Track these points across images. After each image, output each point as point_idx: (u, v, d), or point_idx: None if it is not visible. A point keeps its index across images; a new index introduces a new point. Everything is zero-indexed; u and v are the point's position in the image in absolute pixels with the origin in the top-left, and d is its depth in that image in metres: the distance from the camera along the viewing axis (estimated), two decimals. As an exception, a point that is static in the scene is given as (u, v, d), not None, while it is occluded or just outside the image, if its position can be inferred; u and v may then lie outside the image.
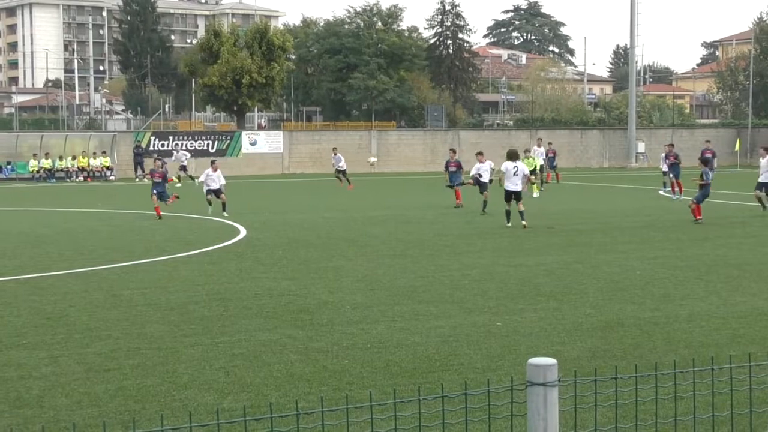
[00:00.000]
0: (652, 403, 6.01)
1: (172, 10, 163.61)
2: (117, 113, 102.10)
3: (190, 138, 64.58)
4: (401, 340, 12.46)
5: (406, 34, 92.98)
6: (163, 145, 62.08)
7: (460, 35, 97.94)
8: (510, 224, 26.63)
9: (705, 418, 7.24)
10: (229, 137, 65.76)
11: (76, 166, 59.78)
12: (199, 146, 63.29)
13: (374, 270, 19.08)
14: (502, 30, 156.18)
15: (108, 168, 60.44)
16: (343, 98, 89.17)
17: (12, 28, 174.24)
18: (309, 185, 52.97)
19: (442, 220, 29.91)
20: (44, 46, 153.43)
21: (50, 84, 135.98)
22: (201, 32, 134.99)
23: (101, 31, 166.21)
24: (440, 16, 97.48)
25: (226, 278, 18.04)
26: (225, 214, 31.07)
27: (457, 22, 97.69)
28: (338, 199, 40.50)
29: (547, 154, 48.73)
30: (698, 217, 27.61)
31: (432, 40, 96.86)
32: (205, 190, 32.65)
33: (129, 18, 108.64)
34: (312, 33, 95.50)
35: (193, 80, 78.42)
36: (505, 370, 10.76)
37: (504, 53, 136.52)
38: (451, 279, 17.72)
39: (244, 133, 67.11)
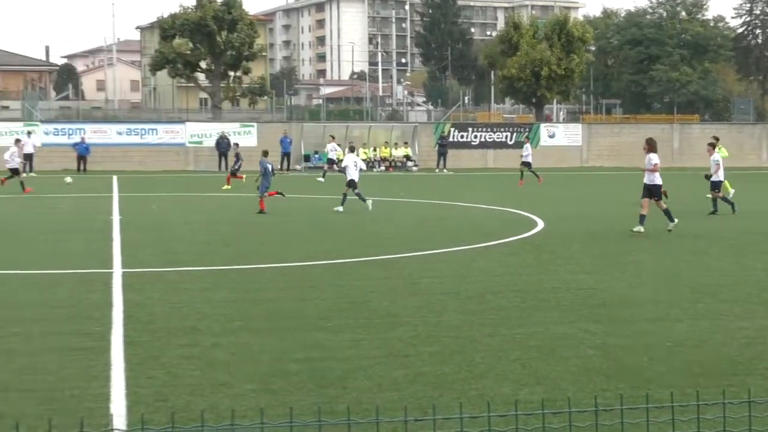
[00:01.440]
0: None
1: (472, 3, 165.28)
2: (418, 104, 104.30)
3: (488, 129, 65.10)
4: (703, 340, 12.04)
5: (712, 24, 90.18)
6: (462, 137, 62.95)
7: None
8: None
9: None
10: (527, 129, 65.71)
11: (378, 155, 61.43)
12: (498, 138, 63.61)
13: (675, 266, 18.54)
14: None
15: (408, 158, 61.73)
16: (644, 90, 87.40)
17: (320, 23, 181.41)
18: (608, 178, 52.13)
19: (747, 216, 28.55)
20: (350, 40, 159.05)
21: (355, 76, 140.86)
22: (500, 24, 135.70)
23: (404, 25, 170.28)
24: (749, 4, 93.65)
25: (524, 270, 18.02)
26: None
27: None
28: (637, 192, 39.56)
29: None
30: None
31: (740, 30, 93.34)
32: None
33: (430, 11, 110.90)
34: (612, 24, 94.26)
35: (492, 72, 78.94)
36: (817, 377, 10.20)
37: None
38: (756, 279, 16.94)
39: (542, 126, 66.88)
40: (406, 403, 9.00)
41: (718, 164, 28.99)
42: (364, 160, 59.18)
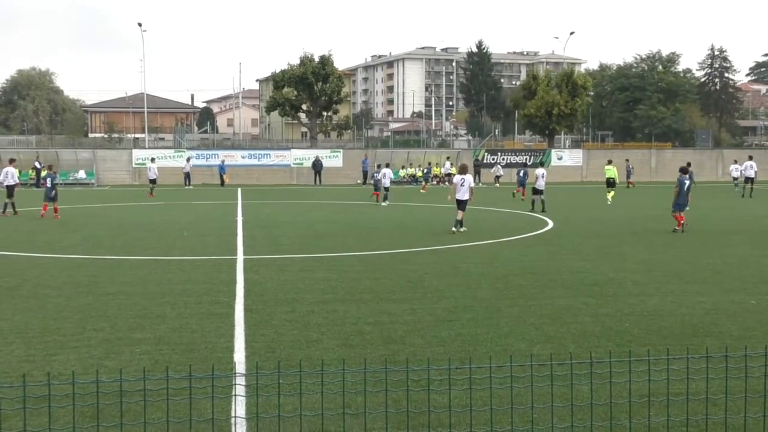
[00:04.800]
0: None
1: (502, 60, 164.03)
2: (461, 136, 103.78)
3: (512, 154, 64.69)
4: (671, 311, 11.84)
5: (682, 74, 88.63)
6: (493, 159, 62.62)
7: (726, 74, 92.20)
8: None
9: None
10: (542, 153, 65.14)
11: (432, 173, 61.29)
12: (520, 160, 63.18)
13: (651, 255, 18.26)
14: (762, 69, 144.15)
15: (452, 175, 61.44)
16: (630, 124, 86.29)
17: (390, 76, 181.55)
18: (602, 191, 51.35)
19: (706, 219, 28.03)
20: (411, 88, 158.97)
21: (415, 115, 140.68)
22: (523, 76, 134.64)
23: (451, 77, 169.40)
24: (710, 60, 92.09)
25: (537, 258, 17.88)
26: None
27: (724, 64, 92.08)
28: (625, 199, 39.03)
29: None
30: None
31: (702, 79, 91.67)
32: None
33: (471, 66, 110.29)
34: (606, 75, 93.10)
35: (516, 111, 78.38)
36: (758, 339, 9.96)
37: (763, 88, 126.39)
38: (713, 265, 16.62)
39: (553, 150, 66.25)
40: (450, 355, 8.99)
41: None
42: (411, 175, 59.60)
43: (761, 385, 5.11)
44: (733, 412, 6.52)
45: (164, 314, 11.55)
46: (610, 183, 38.83)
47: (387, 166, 40.13)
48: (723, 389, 5.24)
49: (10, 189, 30.12)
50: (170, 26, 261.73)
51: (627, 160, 56.28)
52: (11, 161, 32.30)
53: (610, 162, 42.10)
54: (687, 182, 23.98)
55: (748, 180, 42.30)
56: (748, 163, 43.69)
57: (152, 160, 49.79)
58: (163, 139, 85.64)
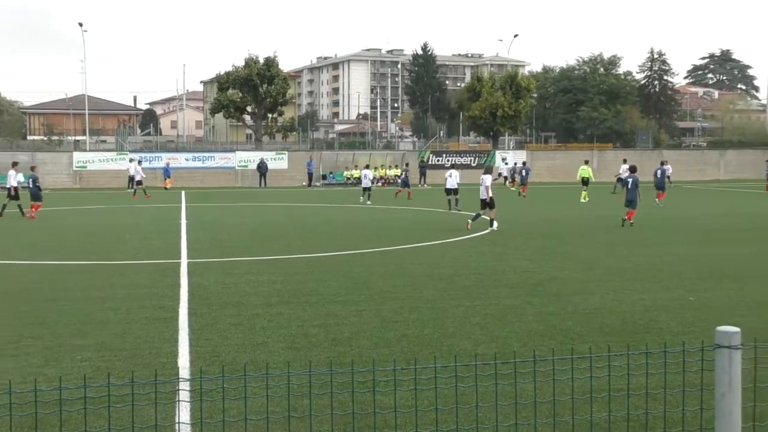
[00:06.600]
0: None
1: (447, 62, 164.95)
2: (406, 137, 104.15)
3: (457, 155, 65.11)
4: (613, 308, 12.04)
5: (622, 77, 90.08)
6: (438, 160, 62.95)
7: (665, 77, 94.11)
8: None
9: None
10: (485, 155, 65.71)
11: (378, 175, 61.34)
12: (464, 161, 63.62)
13: (594, 255, 18.54)
14: (699, 72, 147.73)
15: (398, 176, 61.61)
16: (573, 126, 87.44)
17: (335, 78, 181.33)
18: (545, 191, 52.02)
19: (646, 217, 28.56)
20: (357, 90, 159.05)
21: (360, 117, 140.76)
22: (467, 78, 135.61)
23: (397, 78, 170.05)
24: (650, 63, 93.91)
25: (482, 258, 18.02)
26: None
27: (663, 67, 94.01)
28: (574, 199, 39.57)
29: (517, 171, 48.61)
30: None
31: (642, 81, 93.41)
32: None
33: (416, 68, 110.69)
34: (550, 77, 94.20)
35: (461, 113, 78.91)
36: (696, 334, 10.18)
37: (700, 90, 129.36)
38: (653, 263, 16.96)
39: (497, 152, 66.84)
40: (395, 356, 9.01)
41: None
42: (381, 176, 59.92)
43: (698, 379, 5.23)
44: (672, 406, 6.66)
45: (107, 320, 11.36)
46: (585, 182, 40.01)
47: (367, 167, 43.48)
48: (662, 384, 5.35)
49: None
50: (112, 27, 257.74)
51: (587, 161, 57.01)
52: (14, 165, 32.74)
53: (586, 162, 43.86)
54: (630, 180, 25.94)
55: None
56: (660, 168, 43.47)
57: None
58: (104, 141, 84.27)
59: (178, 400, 6.97)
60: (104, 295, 13.35)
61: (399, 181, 51.55)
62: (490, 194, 24.84)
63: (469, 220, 24.91)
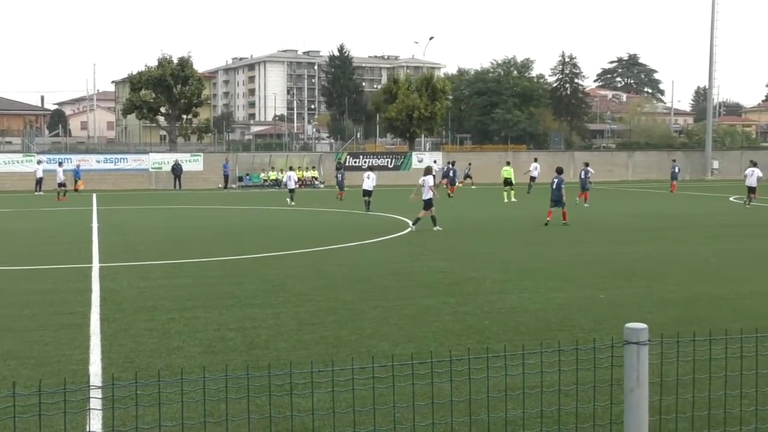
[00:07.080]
0: (722, 360, 5.72)
1: (363, 64, 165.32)
2: (323, 139, 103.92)
3: (374, 157, 65.34)
4: (527, 307, 12.26)
5: (535, 80, 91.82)
6: (355, 162, 63.08)
7: (576, 80, 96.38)
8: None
9: (764, 373, 6.85)
10: (402, 156, 66.13)
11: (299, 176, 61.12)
12: (381, 163, 63.93)
13: (511, 255, 18.85)
14: (608, 76, 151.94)
15: (315, 178, 61.57)
16: (487, 128, 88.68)
17: (251, 79, 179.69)
18: (460, 192, 52.62)
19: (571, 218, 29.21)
20: (273, 91, 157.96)
21: (277, 118, 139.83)
22: (384, 80, 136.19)
23: (313, 80, 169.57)
24: (561, 66, 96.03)
25: (400, 259, 18.11)
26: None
27: (574, 71, 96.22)
28: (494, 200, 40.10)
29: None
30: None
31: (554, 84, 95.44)
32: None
33: (333, 70, 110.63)
34: (465, 79, 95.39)
35: (378, 115, 79.18)
36: (607, 331, 10.45)
37: (609, 93, 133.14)
38: (568, 263, 17.34)
39: (413, 153, 67.34)
40: (313, 358, 8.98)
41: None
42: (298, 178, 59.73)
43: (608, 375, 5.37)
44: (584, 402, 6.81)
45: (13, 327, 10.98)
46: (508, 182, 40.89)
47: (291, 169, 45.44)
48: (574, 381, 5.47)
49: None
50: (18, 24, 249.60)
51: (509, 162, 57.81)
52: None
53: (508, 163, 45.04)
54: (555, 180, 26.99)
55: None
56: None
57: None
58: (10, 142, 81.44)
59: (89, 408, 6.78)
60: (10, 301, 12.90)
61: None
62: (431, 195, 24.90)
63: (436, 227, 24.52)
